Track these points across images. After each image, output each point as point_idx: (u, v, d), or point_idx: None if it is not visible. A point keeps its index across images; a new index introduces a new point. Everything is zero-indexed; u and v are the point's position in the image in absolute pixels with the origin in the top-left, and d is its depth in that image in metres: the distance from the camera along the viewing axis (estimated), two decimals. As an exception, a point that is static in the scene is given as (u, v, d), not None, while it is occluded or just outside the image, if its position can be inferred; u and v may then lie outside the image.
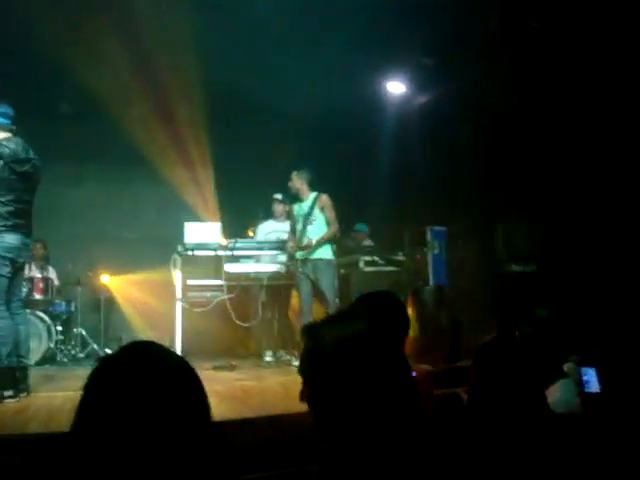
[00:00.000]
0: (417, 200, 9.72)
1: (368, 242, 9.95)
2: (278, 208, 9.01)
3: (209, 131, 10.33)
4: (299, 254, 7.98)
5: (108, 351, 8.93)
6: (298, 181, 8.16)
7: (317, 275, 7.87)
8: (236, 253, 8.38)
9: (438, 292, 6.80)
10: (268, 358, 8.47)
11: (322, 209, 8.02)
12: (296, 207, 8.21)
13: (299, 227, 8.06)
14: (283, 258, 8.57)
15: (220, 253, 8.29)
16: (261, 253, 8.61)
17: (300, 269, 7.96)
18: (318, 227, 8.02)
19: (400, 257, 8.81)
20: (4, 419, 4.67)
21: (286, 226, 8.88)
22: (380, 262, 8.85)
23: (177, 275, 8.16)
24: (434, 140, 9.56)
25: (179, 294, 8.10)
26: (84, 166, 10.29)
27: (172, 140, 10.42)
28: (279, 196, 9.04)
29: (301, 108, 9.74)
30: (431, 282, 8.18)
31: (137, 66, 9.56)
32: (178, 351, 7.92)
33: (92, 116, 9.79)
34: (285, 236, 8.73)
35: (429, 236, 8.38)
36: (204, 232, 8.33)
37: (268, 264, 8.54)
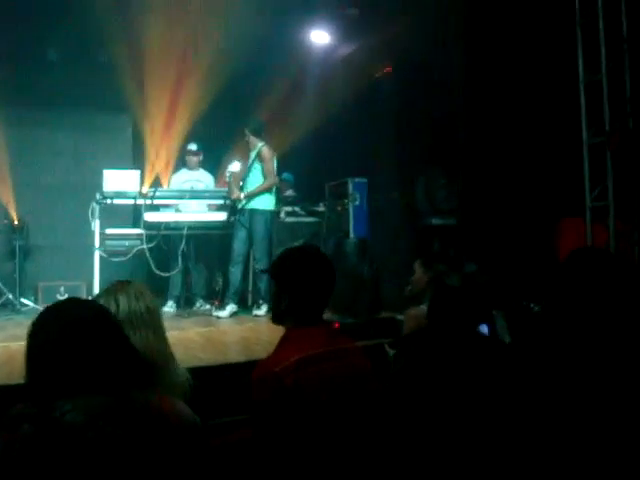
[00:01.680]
0: (339, 152, 9.73)
1: (290, 192, 9.93)
2: (192, 159, 8.90)
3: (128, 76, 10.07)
4: (238, 203, 8.02)
5: (24, 301, 8.78)
6: (247, 133, 8.21)
7: (252, 225, 7.91)
8: (155, 202, 8.27)
9: (360, 244, 6.84)
10: (167, 309, 8.47)
11: (261, 161, 8.04)
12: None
13: (244, 176, 8.12)
14: (200, 207, 8.55)
15: (139, 202, 8.18)
16: (181, 202, 8.49)
17: (237, 218, 8.03)
18: (256, 178, 8.06)
19: (321, 208, 8.85)
20: None
21: (200, 175, 8.86)
22: (301, 213, 8.87)
23: (95, 224, 8.02)
24: (357, 92, 9.55)
25: (97, 243, 7.97)
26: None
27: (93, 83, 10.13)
28: (193, 147, 8.92)
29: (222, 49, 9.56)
30: (351, 234, 8.24)
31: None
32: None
33: (5, 57, 9.48)
34: (199, 185, 8.70)
35: (350, 187, 8.42)
36: (123, 180, 8.19)
37: (188, 213, 8.44)
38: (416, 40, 8.51)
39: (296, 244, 8.38)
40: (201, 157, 8.91)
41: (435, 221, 8.03)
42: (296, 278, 2.69)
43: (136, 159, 10.20)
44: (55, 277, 9.32)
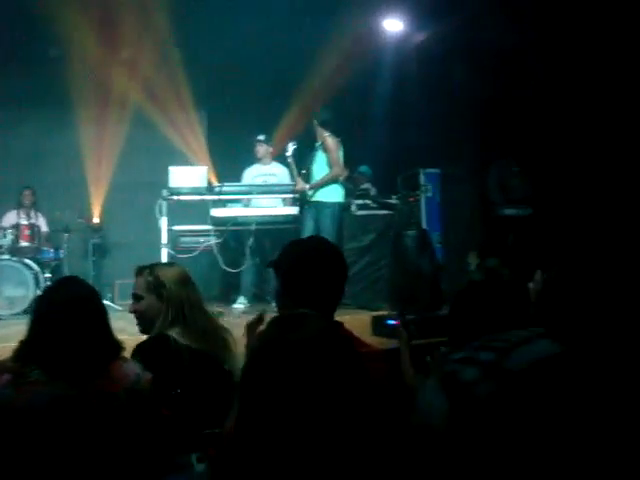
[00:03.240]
0: (412, 143, 9.44)
1: (367, 185, 9.69)
2: (260, 149, 8.66)
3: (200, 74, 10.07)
4: (303, 196, 7.83)
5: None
6: (314, 125, 7.95)
7: (319, 218, 7.71)
8: (223, 197, 8.16)
9: (420, 237, 6.55)
10: (237, 305, 8.22)
11: (325, 151, 7.80)
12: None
13: (306, 168, 7.90)
14: (272, 202, 8.37)
15: (206, 197, 8.08)
16: (249, 197, 8.34)
17: (305, 210, 7.83)
18: (321, 168, 7.81)
19: (393, 200, 8.57)
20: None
21: (272, 168, 8.65)
22: (373, 205, 8.61)
23: (162, 221, 7.98)
24: (429, 80, 9.25)
25: (164, 240, 7.92)
26: (74, 110, 10.04)
27: (164, 84, 10.16)
28: (261, 137, 8.71)
29: (294, 46, 9.41)
30: (424, 226, 7.95)
31: (127, 7, 9.35)
32: None
33: (80, 59, 9.58)
34: (271, 179, 8.51)
35: (422, 179, 8.14)
36: (190, 176, 8.11)
37: (257, 208, 8.29)
38: (491, 26, 8.15)
39: (368, 237, 8.21)
40: (270, 149, 8.71)
41: (508, 211, 7.66)
42: (296, 277, 2.45)
43: (212, 155, 10.21)
44: (131, 275, 9.34)
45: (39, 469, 2.30)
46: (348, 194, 8.32)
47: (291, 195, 8.20)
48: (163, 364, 2.93)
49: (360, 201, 8.54)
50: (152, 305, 3.27)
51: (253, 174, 8.71)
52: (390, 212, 8.51)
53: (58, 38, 9.45)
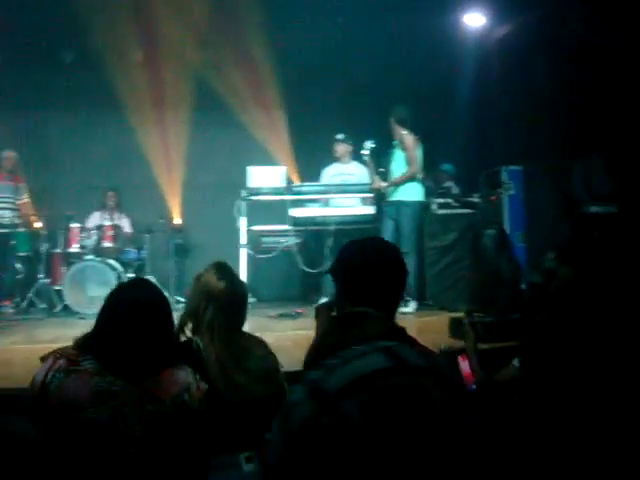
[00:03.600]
0: (495, 139, 9.22)
1: (450, 184, 9.53)
2: (338, 149, 8.60)
3: (281, 74, 10.08)
4: (380, 195, 7.80)
5: (179, 298, 8.88)
6: (392, 123, 7.90)
7: (399, 217, 7.62)
8: (301, 197, 8.12)
9: (499, 237, 6.32)
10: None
11: (403, 149, 7.74)
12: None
13: (387, 166, 7.87)
14: (351, 202, 8.29)
15: (285, 197, 8.06)
16: (327, 196, 8.28)
17: (384, 209, 7.81)
18: (399, 167, 7.77)
19: (475, 199, 8.39)
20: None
21: (351, 168, 8.57)
22: (454, 204, 8.45)
23: (241, 221, 8.00)
24: (512, 76, 9.02)
25: (243, 240, 7.94)
26: (155, 112, 10.17)
27: (246, 84, 10.21)
28: (340, 136, 8.64)
29: (377, 46, 9.32)
30: (506, 225, 7.74)
31: (208, 10, 9.42)
32: None
33: (160, 62, 9.71)
34: (350, 179, 8.44)
35: (504, 176, 7.93)
36: (269, 176, 8.11)
37: (336, 208, 8.23)
38: (574, 18, 7.89)
39: (449, 237, 8.05)
40: (349, 148, 8.62)
41: (594, 209, 7.39)
42: (356, 279, 2.34)
43: (294, 155, 10.22)
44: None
45: (74, 458, 2.33)
46: (428, 193, 8.19)
47: (371, 195, 8.11)
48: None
49: (441, 200, 8.39)
50: (187, 294, 3.35)
51: (331, 173, 8.67)
52: (472, 211, 8.34)
53: (142, 41, 9.61)
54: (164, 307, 2.67)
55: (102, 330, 2.55)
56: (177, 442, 2.43)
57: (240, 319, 3.21)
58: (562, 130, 8.10)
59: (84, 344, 2.55)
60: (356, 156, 8.64)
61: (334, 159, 8.77)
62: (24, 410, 2.47)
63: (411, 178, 7.72)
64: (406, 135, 7.70)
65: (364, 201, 8.32)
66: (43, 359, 2.52)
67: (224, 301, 3.08)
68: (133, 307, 2.55)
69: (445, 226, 8.13)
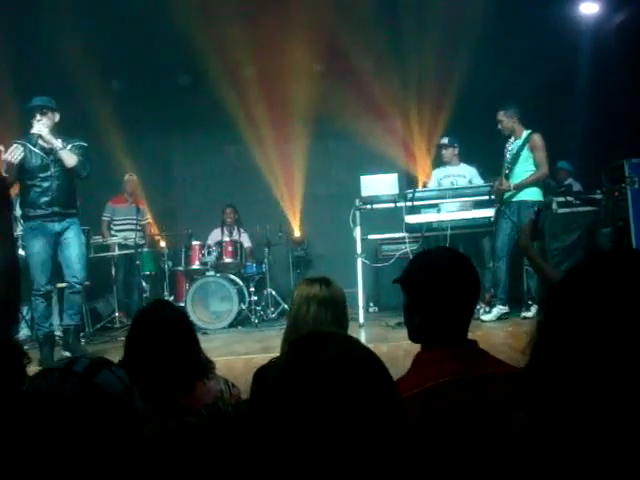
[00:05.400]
0: (617, 132, 8.82)
1: (570, 181, 9.22)
2: (446, 153, 8.49)
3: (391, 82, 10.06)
4: (505, 195, 7.51)
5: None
6: (509, 120, 7.60)
7: (520, 218, 7.40)
8: (417, 203, 8.01)
9: (617, 234, 5.98)
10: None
11: (532, 149, 7.48)
12: (507, 146, 7.64)
13: (506, 166, 7.56)
14: (464, 205, 8.12)
15: (399, 204, 7.96)
16: (441, 202, 8.11)
17: (503, 210, 7.54)
18: (525, 167, 7.50)
19: (597, 195, 8.03)
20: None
21: (461, 170, 8.41)
22: (575, 202, 8.12)
23: (356, 230, 7.96)
24: (632, 63, 8.60)
25: (359, 249, 7.90)
26: (272, 127, 10.29)
27: (361, 94, 10.21)
28: (445, 140, 8.55)
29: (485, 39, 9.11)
30: (631, 221, 7.36)
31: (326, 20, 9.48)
32: (360, 306, 7.82)
33: (275, 76, 9.86)
34: (460, 181, 8.26)
35: (627, 170, 7.54)
36: (381, 184, 8.03)
37: (451, 213, 8.06)
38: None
39: (572, 236, 7.75)
40: (456, 151, 8.48)
41: None
42: (425, 291, 2.25)
43: (407, 163, 10.16)
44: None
45: None
46: (548, 191, 7.91)
47: (484, 197, 7.90)
48: None
49: (561, 198, 8.08)
50: (288, 316, 3.28)
51: (440, 176, 8.57)
52: (595, 208, 8.00)
53: (249, 57, 9.78)
54: (185, 323, 2.85)
55: (132, 354, 2.66)
56: (216, 446, 2.39)
57: (344, 319, 3.14)
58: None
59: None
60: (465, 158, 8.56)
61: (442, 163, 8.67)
62: None
63: (540, 180, 7.48)
64: (534, 134, 7.45)
65: (479, 204, 8.13)
66: None
67: (325, 297, 3.03)
68: (156, 327, 2.67)
69: (567, 226, 7.82)
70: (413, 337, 2.34)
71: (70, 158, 6.28)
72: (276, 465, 1.27)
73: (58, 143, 6.27)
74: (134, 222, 9.19)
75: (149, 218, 9.67)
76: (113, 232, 9.34)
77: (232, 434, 2.50)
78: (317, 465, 1.23)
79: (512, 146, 7.59)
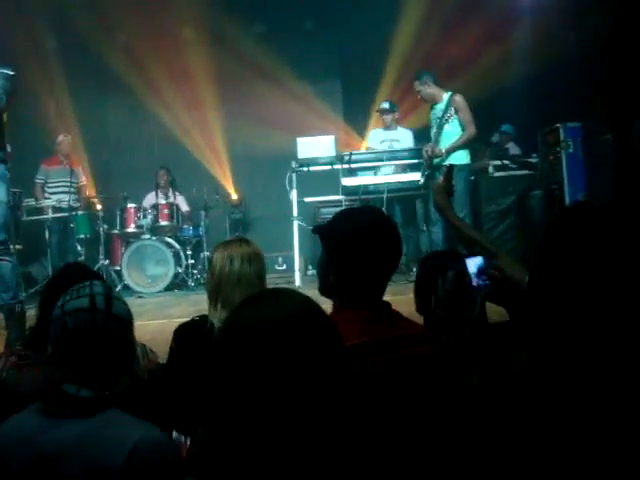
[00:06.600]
0: (553, 96, 8.84)
1: (511, 145, 9.24)
2: (386, 118, 8.45)
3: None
4: (435, 161, 7.40)
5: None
6: (425, 87, 7.42)
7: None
8: (353, 166, 7.96)
9: (548, 197, 5.99)
10: None
11: (456, 111, 7.34)
12: (431, 111, 7.53)
13: (434, 131, 7.42)
14: (400, 169, 8.10)
15: (336, 167, 7.91)
16: (380, 164, 8.08)
17: (433, 174, 7.36)
18: (453, 130, 7.34)
19: (533, 159, 8.07)
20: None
21: (397, 133, 8.37)
22: (512, 166, 8.15)
23: (293, 193, 7.90)
24: (569, 27, 8.63)
25: (295, 212, 7.85)
26: (206, 89, 10.14)
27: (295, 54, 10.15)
28: (386, 105, 8.48)
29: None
30: (565, 185, 7.40)
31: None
32: (296, 268, 8.00)
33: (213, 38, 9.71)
34: (396, 145, 8.22)
35: (562, 134, 7.56)
36: (318, 146, 7.96)
37: (388, 175, 8.03)
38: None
39: (507, 200, 7.78)
40: (396, 115, 8.45)
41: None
42: (345, 247, 2.18)
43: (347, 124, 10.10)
44: (272, 248, 9.35)
45: None
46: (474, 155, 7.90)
47: (416, 160, 7.87)
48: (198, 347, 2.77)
49: (497, 162, 8.10)
50: (207, 279, 3.15)
51: (378, 140, 8.54)
52: (530, 172, 8.04)
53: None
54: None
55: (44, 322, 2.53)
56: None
57: (265, 275, 3.10)
58: (620, 81, 7.68)
59: (32, 340, 2.66)
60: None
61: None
62: None
63: (471, 141, 7.41)
64: (455, 95, 7.33)
65: (413, 167, 8.05)
66: None
67: (248, 252, 3.00)
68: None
69: (503, 189, 7.88)
70: (324, 293, 2.27)
71: None
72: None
73: None
74: (68, 184, 8.95)
75: (84, 180, 9.44)
76: (47, 195, 9.09)
77: (146, 400, 2.47)
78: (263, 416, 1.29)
79: (435, 110, 7.47)
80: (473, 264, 2.55)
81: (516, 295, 2.57)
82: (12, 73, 5.24)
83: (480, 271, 2.54)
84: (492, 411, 1.60)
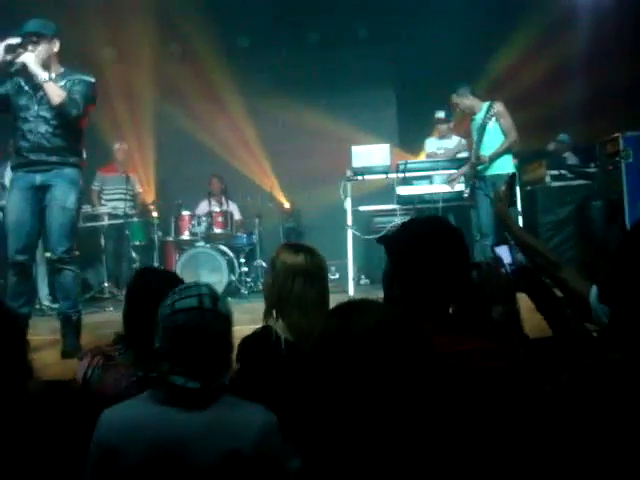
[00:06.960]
0: (613, 105, 8.70)
1: (569, 154, 9.10)
2: (441, 128, 8.43)
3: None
4: (478, 169, 7.26)
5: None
6: (463, 99, 7.34)
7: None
8: (408, 175, 7.92)
9: (609, 207, 5.87)
10: None
11: (497, 118, 7.17)
12: (471, 123, 7.44)
13: (475, 140, 7.31)
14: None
15: (391, 176, 7.88)
16: (434, 173, 8.03)
17: (478, 185, 7.26)
18: (494, 138, 7.19)
19: (591, 169, 7.94)
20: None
21: (452, 142, 8.33)
22: (569, 176, 8.03)
23: (347, 201, 7.89)
24: (631, 35, 8.49)
25: (349, 221, 7.84)
26: (262, 98, 10.15)
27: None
28: (441, 115, 8.42)
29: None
30: (625, 195, 7.26)
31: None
32: (350, 277, 7.95)
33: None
34: (450, 154, 8.21)
35: (621, 143, 7.43)
36: (372, 155, 7.94)
37: (443, 185, 7.95)
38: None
39: (565, 210, 7.67)
40: (451, 125, 8.41)
41: None
42: (410, 258, 2.15)
43: (402, 134, 10.06)
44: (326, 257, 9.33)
45: None
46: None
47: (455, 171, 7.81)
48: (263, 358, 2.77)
49: (555, 172, 7.99)
50: (268, 284, 3.12)
51: (431, 149, 8.54)
52: (588, 182, 7.92)
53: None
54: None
55: (132, 323, 2.74)
56: None
57: (327, 294, 3.03)
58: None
59: (118, 340, 2.76)
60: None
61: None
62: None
63: (510, 148, 7.28)
64: (495, 102, 7.19)
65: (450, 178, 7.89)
66: (80, 358, 2.76)
67: (309, 270, 2.93)
68: (146, 295, 2.64)
69: (560, 199, 7.80)
70: (389, 303, 2.23)
71: (55, 94, 4.82)
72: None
73: (44, 75, 4.83)
74: (124, 192, 9.06)
75: (140, 188, 9.56)
76: (103, 202, 9.22)
77: None
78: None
79: (475, 120, 7.35)
80: (504, 252, 2.62)
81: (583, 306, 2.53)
82: (93, 80, 5.11)
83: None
84: (580, 412, 1.54)
